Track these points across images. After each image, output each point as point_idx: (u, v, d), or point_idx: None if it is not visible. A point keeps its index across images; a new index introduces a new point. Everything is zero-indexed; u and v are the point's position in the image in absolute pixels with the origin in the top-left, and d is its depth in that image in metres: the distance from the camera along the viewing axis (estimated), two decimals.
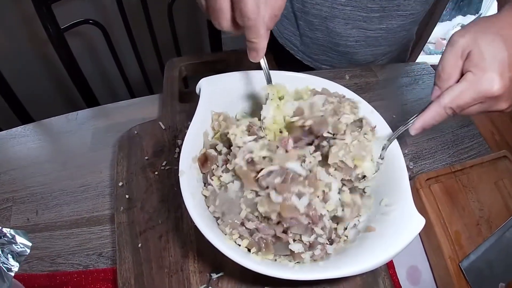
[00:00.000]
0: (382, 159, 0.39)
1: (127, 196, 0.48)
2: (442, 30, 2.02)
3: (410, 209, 0.34)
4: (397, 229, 0.33)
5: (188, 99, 0.60)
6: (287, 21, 0.75)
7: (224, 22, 0.35)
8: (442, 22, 2.00)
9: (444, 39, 2.03)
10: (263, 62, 0.39)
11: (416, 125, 0.38)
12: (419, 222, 0.33)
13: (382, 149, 0.39)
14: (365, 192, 0.40)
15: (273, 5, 0.35)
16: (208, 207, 0.36)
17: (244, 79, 0.44)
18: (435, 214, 0.48)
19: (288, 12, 0.73)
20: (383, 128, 0.42)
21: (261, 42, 0.36)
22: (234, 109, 0.45)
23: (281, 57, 0.79)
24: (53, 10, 0.72)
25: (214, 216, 0.36)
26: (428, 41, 1.85)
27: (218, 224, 0.36)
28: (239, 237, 0.34)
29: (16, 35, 0.97)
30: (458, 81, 0.36)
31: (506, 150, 0.58)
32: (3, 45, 0.96)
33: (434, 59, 2.04)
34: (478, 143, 0.63)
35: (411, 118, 0.38)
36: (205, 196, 0.37)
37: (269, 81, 0.40)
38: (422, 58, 1.95)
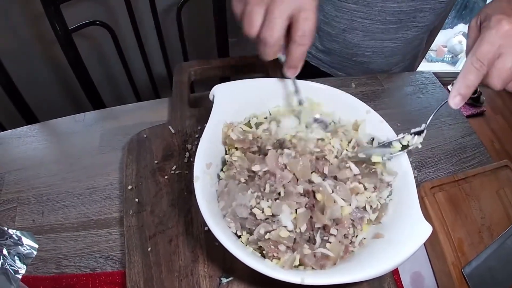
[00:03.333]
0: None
1: (136, 200, 0.48)
2: (443, 38, 2.05)
3: (418, 217, 0.35)
4: (405, 236, 0.34)
5: (196, 104, 0.61)
6: None
7: (253, 28, 0.38)
8: (443, 29, 2.03)
9: (445, 46, 2.06)
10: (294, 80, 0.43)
11: (452, 92, 0.38)
12: (426, 229, 0.34)
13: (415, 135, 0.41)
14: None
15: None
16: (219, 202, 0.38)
17: (258, 86, 0.45)
18: (439, 222, 0.49)
19: None
20: (392, 138, 0.43)
21: (302, 61, 0.41)
22: (246, 115, 0.46)
23: None
24: (61, 10, 0.73)
25: (223, 213, 0.37)
26: (429, 49, 1.88)
27: (224, 216, 0.37)
28: (247, 233, 0.35)
29: (24, 35, 0.97)
30: None
31: (507, 159, 0.60)
32: (10, 44, 0.96)
33: (436, 67, 2.07)
34: (480, 152, 0.65)
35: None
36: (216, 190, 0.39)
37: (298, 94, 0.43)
38: (424, 66, 1.98)
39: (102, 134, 0.61)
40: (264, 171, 0.38)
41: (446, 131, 0.67)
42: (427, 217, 0.49)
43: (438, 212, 0.50)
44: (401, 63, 0.79)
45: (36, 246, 0.48)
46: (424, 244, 0.51)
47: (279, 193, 0.38)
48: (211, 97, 0.43)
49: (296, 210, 0.37)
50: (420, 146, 0.41)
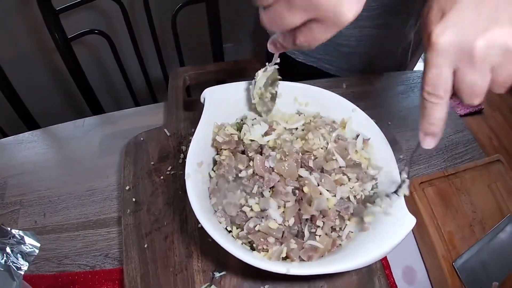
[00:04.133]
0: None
1: (133, 199, 0.50)
2: None
3: (402, 210, 0.36)
4: (390, 228, 0.35)
5: (192, 107, 0.63)
6: None
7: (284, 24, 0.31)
8: None
9: None
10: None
11: (420, 135, 0.32)
12: (410, 221, 0.35)
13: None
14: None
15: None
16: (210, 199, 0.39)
17: (246, 89, 0.47)
18: (428, 216, 0.50)
19: None
20: (377, 135, 0.44)
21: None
22: (237, 117, 0.48)
23: (283, 62, 0.81)
24: (60, 20, 0.75)
25: (214, 209, 0.39)
26: None
27: (215, 212, 0.38)
28: (237, 228, 0.37)
29: (24, 44, 1.00)
30: None
31: (500, 154, 0.60)
32: (11, 53, 0.99)
33: None
34: (472, 148, 0.65)
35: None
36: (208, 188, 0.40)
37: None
38: (420, 66, 1.98)
39: (101, 139, 0.63)
40: (252, 174, 0.40)
41: None
42: (416, 211, 0.50)
43: (427, 207, 0.51)
44: (391, 57, 0.78)
45: (38, 245, 0.49)
46: (415, 238, 0.53)
47: (268, 192, 0.39)
48: (202, 100, 0.45)
49: (284, 204, 0.38)
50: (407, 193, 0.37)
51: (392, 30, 0.71)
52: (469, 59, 0.28)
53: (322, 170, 0.40)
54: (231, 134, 0.42)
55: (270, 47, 0.37)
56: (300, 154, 0.41)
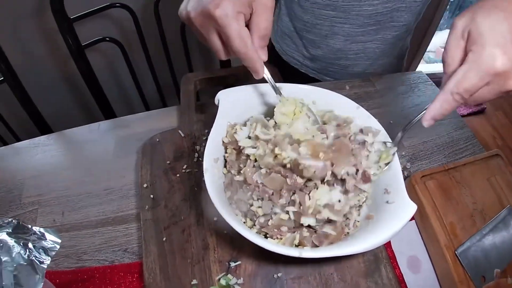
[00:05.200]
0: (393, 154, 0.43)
1: (151, 196, 0.53)
2: (441, 39, 2.07)
3: (404, 198, 0.39)
4: (392, 215, 0.38)
5: (202, 110, 0.66)
6: (289, 39, 0.81)
7: (222, 55, 0.41)
8: (441, 30, 2.05)
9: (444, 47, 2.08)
10: (267, 76, 0.44)
11: (426, 116, 0.37)
12: (412, 208, 0.38)
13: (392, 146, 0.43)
14: None
15: (259, 29, 0.38)
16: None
17: (256, 91, 0.50)
18: (430, 207, 0.52)
19: (290, 32, 0.79)
20: (380, 130, 0.47)
21: (257, 64, 0.40)
22: (249, 117, 0.50)
23: (287, 72, 0.85)
24: (74, 28, 0.78)
25: (229, 202, 0.41)
26: (428, 50, 1.91)
27: (230, 204, 0.41)
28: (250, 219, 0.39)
29: (38, 51, 1.02)
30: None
31: (502, 151, 0.62)
32: (25, 58, 1.01)
33: (434, 68, 2.09)
34: (472, 144, 0.67)
35: (423, 111, 0.38)
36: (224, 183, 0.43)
37: (277, 91, 0.46)
38: (422, 67, 2.00)
39: (116, 141, 0.65)
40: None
41: (438, 125, 0.69)
42: (419, 203, 0.52)
43: (429, 198, 0.53)
44: (386, 63, 0.82)
45: (59, 240, 0.51)
46: (418, 229, 0.55)
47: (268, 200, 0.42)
48: (216, 102, 0.48)
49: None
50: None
51: (387, 42, 0.75)
52: (501, 85, 0.33)
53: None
54: (234, 133, 0.45)
55: (255, 76, 0.42)
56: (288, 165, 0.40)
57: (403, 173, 0.60)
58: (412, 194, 0.53)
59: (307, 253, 0.34)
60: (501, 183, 0.58)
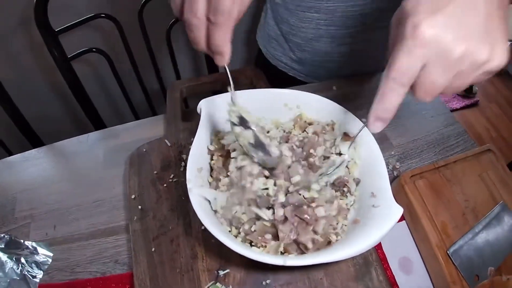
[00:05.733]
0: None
1: (139, 207, 0.53)
2: None
3: (390, 201, 0.39)
4: (379, 219, 0.38)
5: (189, 118, 0.66)
6: (276, 43, 0.81)
7: (200, 33, 0.36)
8: None
9: None
10: (227, 68, 0.41)
11: (371, 118, 0.33)
12: (398, 211, 0.37)
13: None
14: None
15: (243, 2, 0.35)
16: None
17: (241, 97, 0.50)
18: (420, 207, 0.52)
19: (277, 35, 0.79)
20: (357, 125, 0.47)
21: (226, 45, 0.36)
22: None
23: (275, 76, 0.84)
24: (59, 40, 0.78)
25: (215, 212, 0.41)
26: None
27: (215, 214, 0.41)
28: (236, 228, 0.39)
29: (25, 63, 1.02)
30: None
31: (496, 144, 0.62)
32: (12, 72, 1.01)
33: None
34: (463, 140, 0.66)
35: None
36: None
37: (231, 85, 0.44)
38: None
39: (105, 152, 0.65)
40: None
41: (428, 122, 0.69)
42: (409, 203, 0.52)
43: (419, 198, 0.53)
44: (376, 65, 0.80)
45: (51, 254, 0.52)
46: (409, 229, 0.55)
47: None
48: (198, 111, 0.48)
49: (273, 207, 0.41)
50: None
51: (372, 44, 0.74)
52: (443, 60, 0.28)
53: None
54: (220, 140, 0.45)
55: (218, 60, 0.38)
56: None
57: (393, 173, 0.61)
58: (402, 194, 0.53)
59: (292, 261, 0.34)
60: (494, 178, 0.58)
